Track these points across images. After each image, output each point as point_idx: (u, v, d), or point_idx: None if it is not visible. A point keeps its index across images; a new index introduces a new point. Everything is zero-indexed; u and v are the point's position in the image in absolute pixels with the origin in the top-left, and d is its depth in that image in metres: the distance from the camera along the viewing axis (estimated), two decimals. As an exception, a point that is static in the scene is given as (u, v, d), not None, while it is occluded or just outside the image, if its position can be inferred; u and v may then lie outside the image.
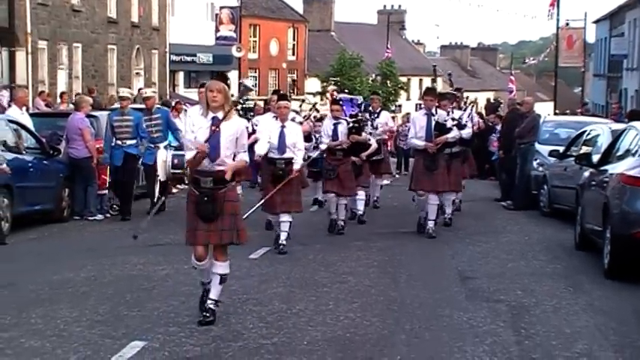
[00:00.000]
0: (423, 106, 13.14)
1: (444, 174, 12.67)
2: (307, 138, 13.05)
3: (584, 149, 13.82)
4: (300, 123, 12.76)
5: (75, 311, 7.76)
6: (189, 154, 7.37)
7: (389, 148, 22.31)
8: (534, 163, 16.43)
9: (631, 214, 9.35)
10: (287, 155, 11.00)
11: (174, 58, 39.34)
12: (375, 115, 15.22)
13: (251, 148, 11.05)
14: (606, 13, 48.35)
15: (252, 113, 15.48)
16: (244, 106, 15.84)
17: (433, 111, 12.42)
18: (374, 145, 13.94)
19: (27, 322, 7.40)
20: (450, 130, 12.69)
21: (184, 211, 7.51)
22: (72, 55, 30.36)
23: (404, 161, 28.09)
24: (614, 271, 9.56)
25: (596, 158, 11.50)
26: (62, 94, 26.16)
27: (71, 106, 22.68)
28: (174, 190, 16.33)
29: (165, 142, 15.08)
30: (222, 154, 7.23)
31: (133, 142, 14.31)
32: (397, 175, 23.51)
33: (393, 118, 27.86)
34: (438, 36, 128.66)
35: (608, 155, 10.94)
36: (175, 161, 14.16)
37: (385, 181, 17.37)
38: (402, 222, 13.82)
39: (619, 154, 10.59)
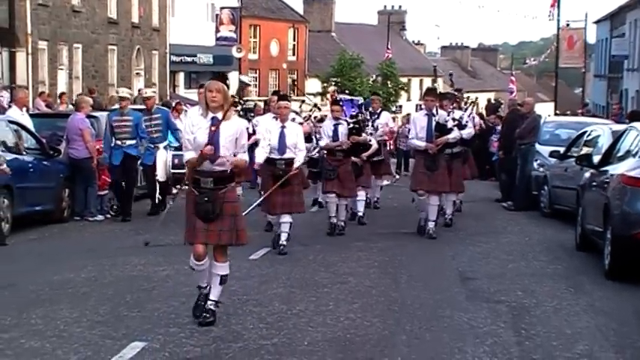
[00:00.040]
0: (423, 106, 13.13)
1: (445, 174, 12.67)
2: (307, 139, 13.04)
3: (585, 150, 13.81)
4: (300, 124, 12.74)
5: (75, 312, 7.76)
6: (187, 155, 7.36)
7: (389, 149, 22.34)
8: (535, 164, 16.42)
9: (631, 215, 9.34)
10: (287, 156, 10.98)
11: (174, 58, 39.35)
12: (376, 116, 15.22)
13: (251, 149, 11.07)
14: (607, 14, 48.34)
15: (252, 114, 15.45)
16: (244, 106, 15.80)
17: (434, 111, 12.41)
18: (374, 145, 13.93)
19: (27, 323, 7.39)
20: (450, 130, 12.69)
21: (184, 212, 7.51)
22: (72, 55, 30.38)
23: (404, 162, 28.10)
24: (615, 271, 9.55)
25: (596, 159, 11.50)
26: (61, 94, 26.17)
27: (71, 106, 22.71)
28: (174, 191, 16.33)
29: (165, 143, 15.09)
30: (221, 155, 7.21)
31: (133, 142, 14.29)
32: (397, 176, 23.50)
33: (394, 118, 27.90)
34: (439, 36, 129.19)
35: (609, 156, 10.94)
36: (176, 161, 14.26)
37: (385, 182, 17.37)
38: (403, 222, 13.81)
39: (620, 154, 10.59)
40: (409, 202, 13.98)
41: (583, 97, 52.25)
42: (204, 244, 7.30)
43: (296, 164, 11.06)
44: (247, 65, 47.37)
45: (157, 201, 15.08)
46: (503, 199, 17.57)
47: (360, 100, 15.96)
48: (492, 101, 30.62)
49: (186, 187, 7.66)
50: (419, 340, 7.05)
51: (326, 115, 14.82)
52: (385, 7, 71.66)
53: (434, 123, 12.33)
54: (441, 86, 44.63)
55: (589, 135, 14.51)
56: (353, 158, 13.00)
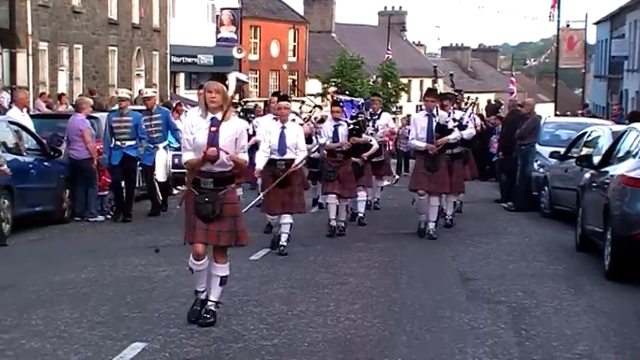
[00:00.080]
0: (424, 107, 13.13)
1: (445, 175, 12.66)
2: (308, 140, 13.03)
3: (585, 151, 13.82)
4: (300, 125, 12.74)
5: (76, 312, 7.76)
6: (186, 156, 7.36)
7: (390, 149, 22.33)
8: (535, 165, 16.43)
9: (632, 216, 9.34)
10: (288, 156, 10.96)
11: (174, 59, 39.36)
12: (376, 117, 15.22)
13: (252, 150, 11.07)
14: (607, 15, 48.34)
15: (252, 115, 15.44)
16: (245, 107, 15.78)
17: (434, 112, 12.41)
18: (375, 145, 13.93)
19: (28, 324, 7.40)
20: (451, 131, 12.68)
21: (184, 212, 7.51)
22: (72, 56, 30.40)
23: (404, 163, 28.09)
24: (615, 272, 9.56)
25: (596, 160, 11.50)
26: (61, 95, 26.16)
27: (70, 107, 22.73)
28: (175, 192, 16.34)
29: (165, 143, 15.09)
30: (221, 155, 7.21)
31: (132, 143, 14.28)
32: (397, 176, 23.49)
33: (394, 119, 27.91)
34: (439, 37, 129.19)
35: (609, 157, 10.94)
36: (176, 161, 14.25)
37: (386, 182, 17.38)
38: (403, 223, 13.81)
39: (620, 155, 10.59)
40: (409, 202, 13.98)
41: (583, 98, 52.23)
42: (203, 243, 7.30)
43: (296, 160, 11.02)
44: (248, 66, 47.37)
45: (159, 201, 15.08)
46: (502, 200, 17.58)
47: (361, 100, 15.97)
48: (492, 102, 30.60)
49: (186, 189, 7.66)
50: (419, 341, 7.06)
51: (326, 116, 14.81)
52: (385, 7, 71.68)
53: (434, 124, 12.33)
54: (442, 87, 44.58)
55: (589, 136, 14.51)
56: (354, 158, 12.99)
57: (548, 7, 42.77)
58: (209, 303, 7.40)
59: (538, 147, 16.48)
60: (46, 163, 13.90)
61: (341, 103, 13.30)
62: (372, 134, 13.92)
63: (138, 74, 36.11)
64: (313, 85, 53.54)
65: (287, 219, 11.07)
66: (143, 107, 15.82)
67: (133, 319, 7.58)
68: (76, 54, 30.64)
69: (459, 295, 8.83)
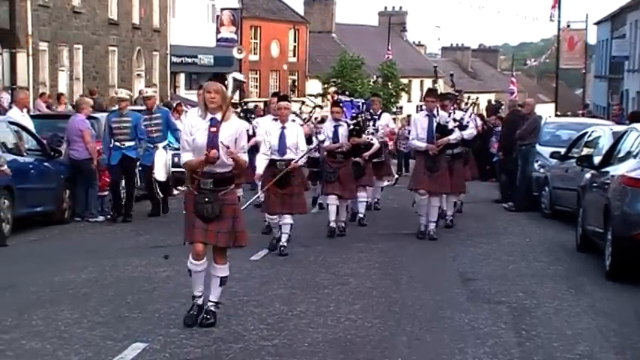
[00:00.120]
0: (424, 107, 13.12)
1: (446, 175, 12.65)
2: (308, 141, 13.01)
3: (586, 151, 13.81)
4: (301, 125, 12.72)
5: (76, 313, 7.76)
6: (185, 156, 7.34)
7: (390, 149, 22.31)
8: (535, 165, 16.43)
9: (632, 216, 9.34)
10: (288, 157, 10.95)
11: (175, 59, 39.36)
12: (376, 117, 15.19)
13: (251, 151, 11.06)
14: (607, 15, 48.35)
15: (252, 115, 15.42)
16: (245, 107, 15.77)
17: (435, 112, 12.40)
18: (376, 144, 13.92)
19: (28, 324, 7.39)
20: (451, 131, 12.67)
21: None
22: (73, 56, 30.40)
23: (404, 163, 28.10)
24: (616, 272, 9.55)
25: (597, 160, 11.50)
26: (60, 95, 26.14)
27: (69, 107, 22.74)
28: (175, 192, 16.34)
29: (165, 143, 15.07)
30: (221, 156, 7.20)
31: (132, 143, 14.27)
32: (396, 176, 23.47)
33: (394, 119, 27.89)
34: (439, 37, 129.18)
35: (610, 157, 10.94)
36: (176, 160, 14.22)
37: (386, 182, 17.37)
38: (403, 224, 13.81)
39: (620, 155, 10.59)
40: (409, 203, 13.99)
41: (584, 98, 52.20)
42: (202, 243, 7.28)
43: (296, 158, 11.00)
44: (248, 66, 47.38)
45: (159, 199, 15.02)
46: (502, 200, 17.58)
47: (360, 101, 15.96)
48: (493, 102, 30.59)
49: (186, 189, 7.65)
50: (419, 341, 7.05)
51: (326, 116, 14.80)
52: (386, 8, 71.67)
53: (435, 124, 12.32)
54: (442, 87, 44.59)
55: (590, 136, 14.51)
56: (355, 158, 12.96)
57: (549, 7, 42.81)
58: (209, 303, 7.40)
59: (538, 147, 16.48)
60: (46, 164, 13.90)
61: (341, 104, 13.28)
62: (372, 133, 13.89)
63: (138, 74, 36.11)
64: (313, 86, 53.53)
65: (287, 219, 11.06)
66: (143, 107, 15.81)
67: (133, 319, 7.57)
68: (76, 54, 30.64)
69: (460, 296, 8.83)
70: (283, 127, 11.00)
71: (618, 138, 11.27)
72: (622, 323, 7.70)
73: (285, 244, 11.05)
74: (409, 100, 61.20)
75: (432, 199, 12.39)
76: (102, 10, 32.59)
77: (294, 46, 56.74)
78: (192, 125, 7.27)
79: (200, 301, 7.38)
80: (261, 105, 22.20)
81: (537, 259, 11.17)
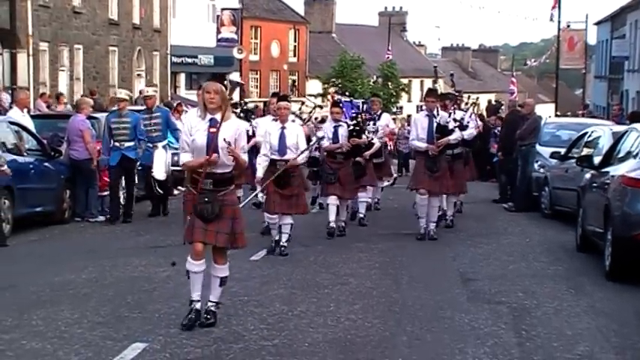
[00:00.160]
0: (424, 107, 13.11)
1: (446, 176, 12.65)
2: (307, 141, 12.99)
3: (586, 151, 13.81)
4: (300, 126, 12.70)
5: (76, 313, 7.76)
6: (183, 157, 7.34)
7: (390, 149, 22.33)
8: (535, 165, 16.43)
9: (632, 216, 9.34)
10: (288, 157, 10.95)
11: (175, 59, 39.34)
12: (376, 117, 15.17)
13: (251, 151, 11.07)
14: (607, 15, 48.34)
15: (253, 115, 15.42)
16: (245, 107, 15.76)
17: (435, 112, 12.40)
18: (377, 143, 13.90)
19: (28, 324, 7.40)
20: (452, 131, 12.67)
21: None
22: (73, 56, 30.38)
23: (404, 163, 28.10)
24: (616, 272, 9.55)
25: (597, 160, 11.50)
26: (59, 95, 26.12)
27: (69, 107, 22.73)
28: (175, 192, 16.33)
29: (164, 142, 15.06)
30: (221, 156, 7.19)
31: (131, 144, 14.24)
32: (395, 175, 23.46)
33: (394, 119, 27.90)
34: (439, 38, 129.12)
35: (610, 157, 10.94)
36: (175, 158, 14.22)
37: (386, 183, 17.37)
38: (403, 224, 13.80)
39: (620, 155, 10.59)
40: (409, 203, 13.97)
41: (583, 99, 52.23)
42: (202, 242, 7.28)
43: (297, 158, 10.99)
44: (248, 66, 47.39)
45: (157, 194, 14.96)
46: (501, 200, 17.59)
47: (360, 102, 15.93)
48: (493, 102, 30.59)
49: (186, 189, 7.65)
50: (420, 341, 7.06)
51: (327, 116, 14.79)
52: (386, 8, 71.69)
53: (435, 124, 12.31)
54: (442, 87, 44.59)
55: (590, 136, 14.51)
56: (357, 158, 12.93)
57: (549, 7, 42.77)
58: (209, 303, 7.40)
59: (538, 147, 16.49)
60: (46, 164, 13.90)
61: (341, 104, 13.26)
62: (372, 132, 13.88)
63: (138, 74, 36.10)
64: (314, 86, 53.54)
65: (287, 219, 11.06)
66: (143, 107, 15.80)
67: (133, 319, 7.58)
68: (76, 54, 30.63)
69: (460, 296, 8.83)
70: (283, 127, 11.01)
71: (618, 138, 11.27)
72: (622, 323, 7.70)
73: (286, 244, 11.06)
74: (409, 100, 61.21)
75: (431, 199, 12.38)
76: (102, 11, 32.58)
77: (295, 46, 56.75)
78: (192, 126, 7.26)
79: (198, 306, 7.33)
80: (261, 105, 22.17)
81: (537, 259, 11.17)
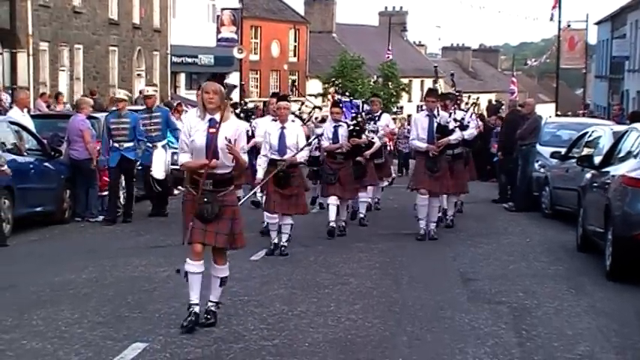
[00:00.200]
0: (424, 107, 13.11)
1: (447, 176, 12.64)
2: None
3: (586, 151, 13.81)
4: (300, 126, 12.67)
5: (76, 313, 7.76)
6: (183, 157, 7.32)
7: (390, 150, 22.30)
8: (536, 165, 16.43)
9: (632, 216, 9.34)
10: (287, 157, 10.95)
11: (175, 59, 39.35)
12: (376, 118, 15.14)
13: (251, 151, 11.06)
14: (608, 15, 48.35)
15: (253, 115, 15.40)
16: (245, 107, 15.74)
17: (435, 112, 12.39)
18: (377, 143, 13.89)
19: (28, 324, 7.39)
20: (452, 131, 12.67)
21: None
22: (73, 56, 30.38)
23: (404, 163, 28.09)
24: (616, 272, 9.55)
25: (597, 160, 11.49)
26: (58, 94, 26.12)
27: (68, 106, 22.72)
28: (175, 192, 16.34)
29: (164, 142, 15.05)
30: (220, 157, 7.18)
31: (130, 144, 14.23)
32: (394, 175, 23.46)
33: (394, 119, 27.89)
34: (440, 37, 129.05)
35: (610, 157, 10.93)
36: (175, 157, 14.22)
37: (386, 183, 17.37)
38: (404, 223, 13.79)
39: (621, 155, 10.59)
40: (410, 203, 13.97)
41: (584, 98, 52.19)
42: (201, 243, 7.27)
43: (297, 157, 10.98)
44: (248, 66, 47.38)
45: (156, 191, 14.92)
46: (501, 200, 17.58)
47: (359, 102, 15.91)
48: (493, 102, 30.59)
49: (185, 189, 7.64)
50: (420, 341, 7.05)
51: (327, 116, 14.78)
52: (386, 8, 71.71)
53: (435, 124, 12.30)
54: (442, 87, 44.63)
55: (590, 136, 14.51)
56: (357, 158, 12.92)
57: (549, 7, 42.77)
58: (209, 303, 7.39)
59: (539, 147, 16.49)
60: (46, 164, 13.90)
61: (340, 104, 13.24)
62: (373, 131, 13.87)
63: (138, 74, 36.10)
64: (314, 86, 53.53)
65: (288, 220, 11.06)
66: (143, 106, 15.79)
67: (133, 319, 7.57)
68: (76, 54, 30.63)
69: (460, 296, 8.83)
70: (283, 127, 11.00)
71: (618, 138, 11.26)
72: (623, 323, 7.70)
73: (286, 244, 11.05)
74: (409, 100, 61.21)
75: (432, 199, 12.37)
76: (102, 10, 32.58)
77: (295, 46, 56.76)
78: (191, 126, 7.24)
79: (197, 309, 7.28)
80: (261, 105, 22.16)
81: (538, 259, 11.17)
